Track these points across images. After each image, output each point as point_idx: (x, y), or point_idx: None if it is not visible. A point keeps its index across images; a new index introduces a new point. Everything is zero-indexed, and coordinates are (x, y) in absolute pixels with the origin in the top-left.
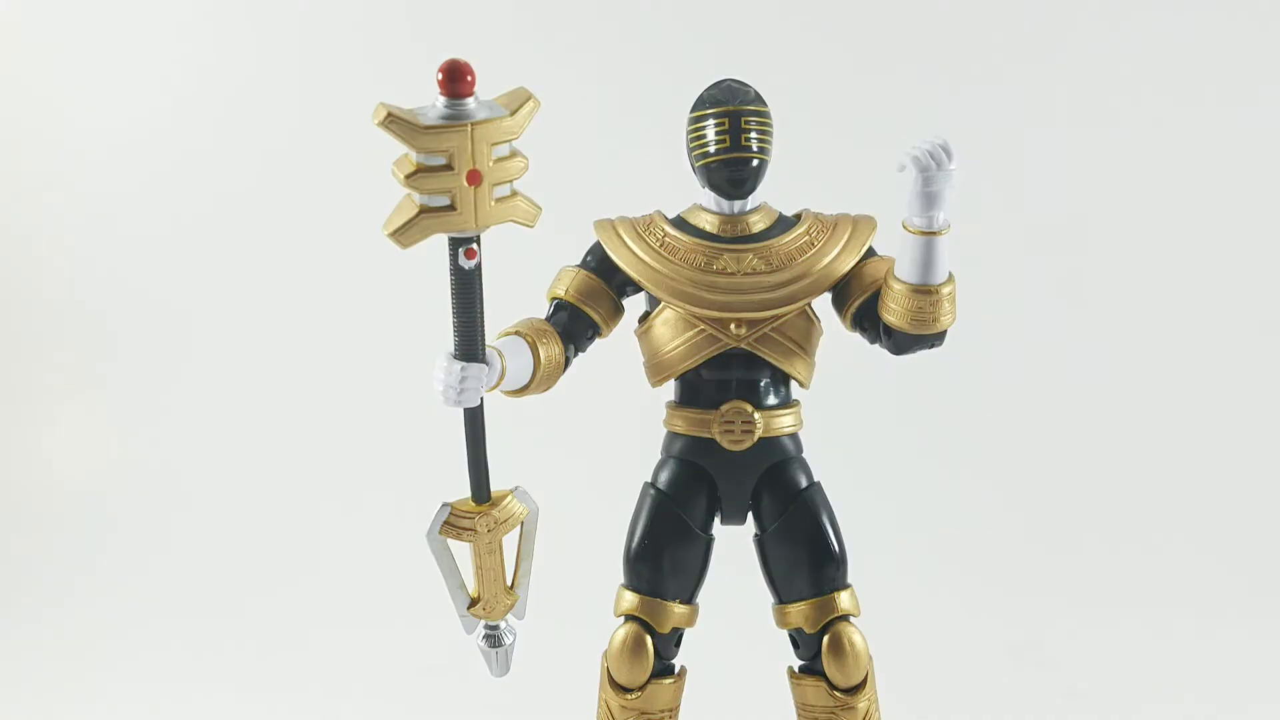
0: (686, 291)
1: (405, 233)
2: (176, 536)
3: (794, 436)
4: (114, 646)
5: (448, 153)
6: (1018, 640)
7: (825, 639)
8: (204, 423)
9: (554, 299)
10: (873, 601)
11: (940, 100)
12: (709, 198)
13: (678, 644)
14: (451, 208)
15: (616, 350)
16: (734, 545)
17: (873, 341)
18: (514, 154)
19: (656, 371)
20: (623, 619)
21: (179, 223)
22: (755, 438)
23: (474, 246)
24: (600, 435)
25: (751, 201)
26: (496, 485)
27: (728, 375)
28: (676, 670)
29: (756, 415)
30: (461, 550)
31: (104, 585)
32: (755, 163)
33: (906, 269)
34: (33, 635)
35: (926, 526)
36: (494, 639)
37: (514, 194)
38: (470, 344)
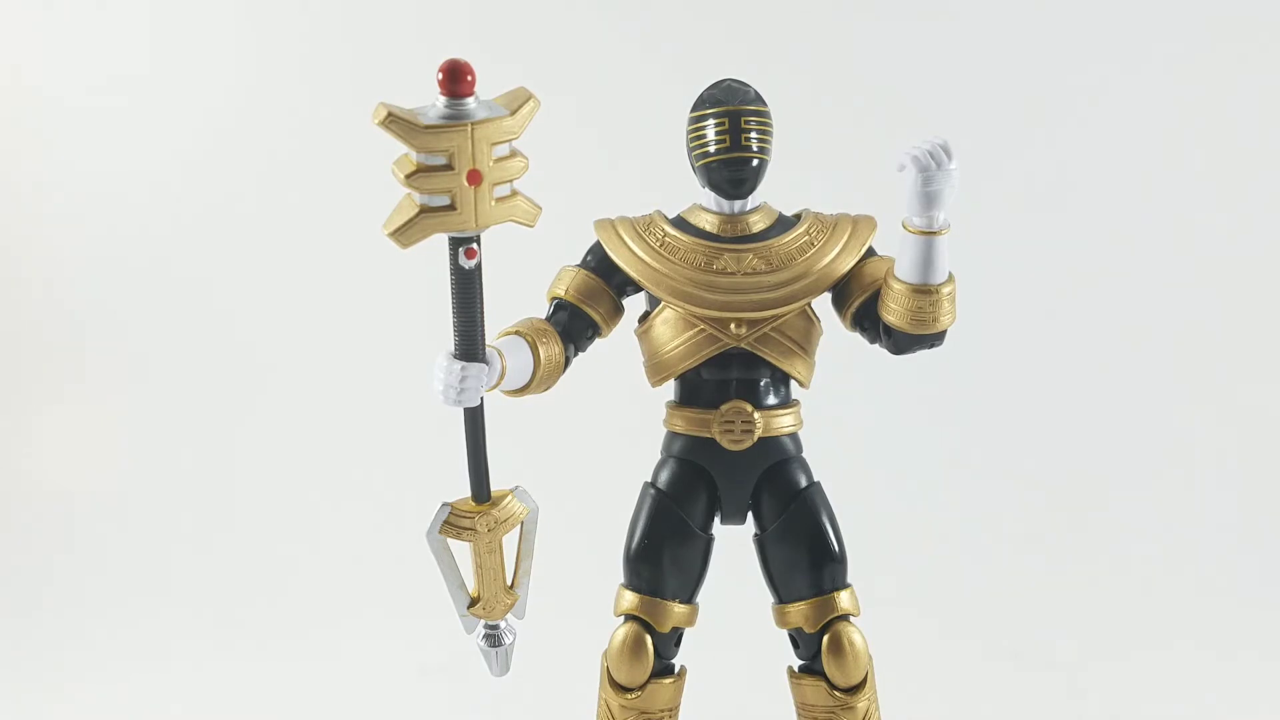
0: (686, 291)
1: (405, 232)
2: (174, 537)
3: (794, 436)
4: (110, 648)
5: (448, 152)
6: (1019, 639)
7: (825, 639)
8: (203, 422)
9: (554, 299)
10: (873, 601)
11: (940, 100)
12: (709, 197)
13: (678, 644)
14: (451, 207)
15: (616, 350)
16: (734, 545)
17: (873, 341)
18: (514, 154)
19: (656, 371)
20: (623, 618)
21: (178, 224)
22: (755, 437)
23: (474, 246)
24: (600, 435)
25: (751, 201)
26: (496, 485)
27: (727, 375)
28: (676, 670)
29: (756, 415)
30: (461, 550)
31: (100, 585)
32: (755, 162)
33: (906, 269)
34: (23, 637)
35: (926, 526)
36: (494, 639)
37: (514, 194)
38: (470, 344)
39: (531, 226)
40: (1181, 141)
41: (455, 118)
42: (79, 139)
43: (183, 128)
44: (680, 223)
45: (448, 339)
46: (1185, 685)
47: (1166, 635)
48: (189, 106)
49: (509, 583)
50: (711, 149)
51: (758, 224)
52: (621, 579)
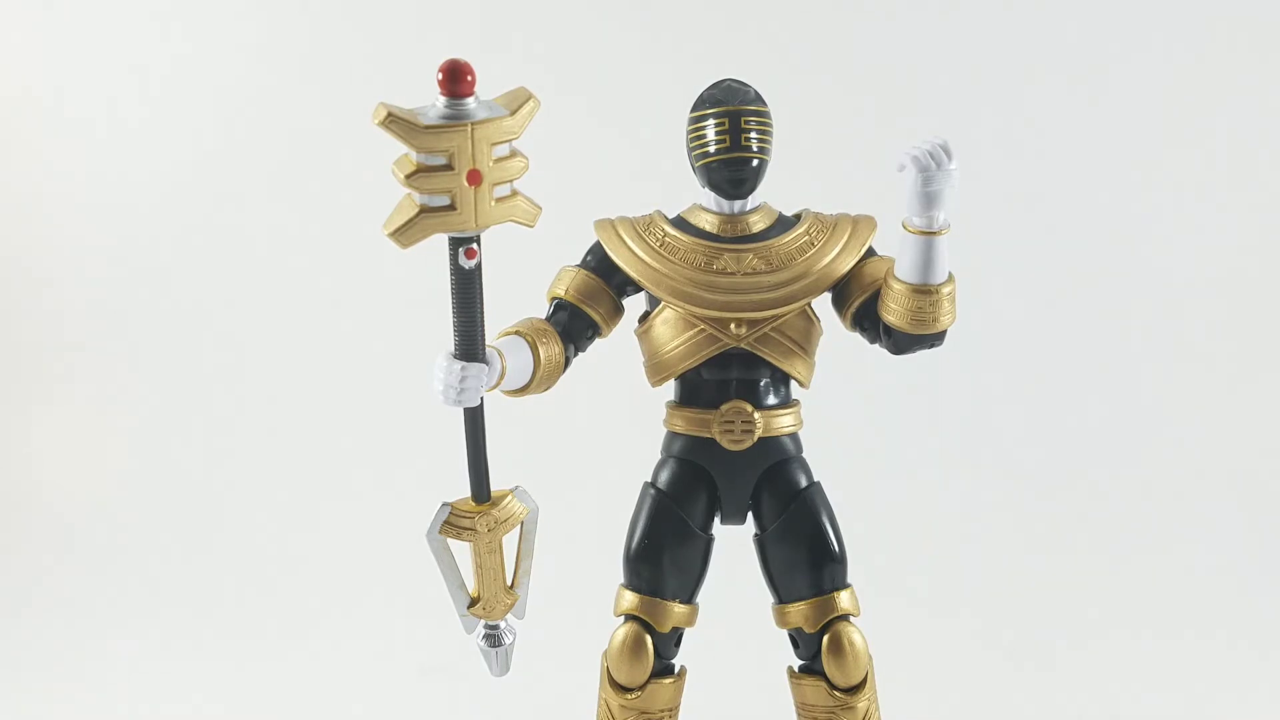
0: (686, 291)
1: (405, 232)
2: (173, 537)
3: (794, 436)
4: (110, 648)
5: (448, 152)
6: (1018, 638)
7: (825, 639)
8: (203, 422)
9: (554, 299)
10: (873, 601)
11: (940, 99)
12: (709, 197)
13: (678, 644)
14: (451, 207)
15: (616, 350)
16: (734, 545)
17: (873, 341)
18: (514, 154)
19: (656, 371)
20: (623, 618)
21: (178, 224)
22: (755, 437)
23: (474, 246)
24: (600, 435)
25: (751, 201)
26: (496, 485)
27: (727, 375)
28: (676, 670)
29: (756, 415)
30: (461, 550)
31: (99, 585)
32: (755, 163)
33: (906, 269)
34: (22, 637)
35: (926, 526)
36: (494, 639)
37: (514, 194)
38: (470, 344)
39: (531, 226)
40: (1182, 141)
41: (455, 118)
42: (80, 141)
43: (183, 128)
44: (680, 223)
45: (448, 339)
46: (1185, 684)
47: (1166, 635)
48: (189, 107)
49: (509, 583)
50: (711, 149)
51: (758, 224)
52: (621, 579)
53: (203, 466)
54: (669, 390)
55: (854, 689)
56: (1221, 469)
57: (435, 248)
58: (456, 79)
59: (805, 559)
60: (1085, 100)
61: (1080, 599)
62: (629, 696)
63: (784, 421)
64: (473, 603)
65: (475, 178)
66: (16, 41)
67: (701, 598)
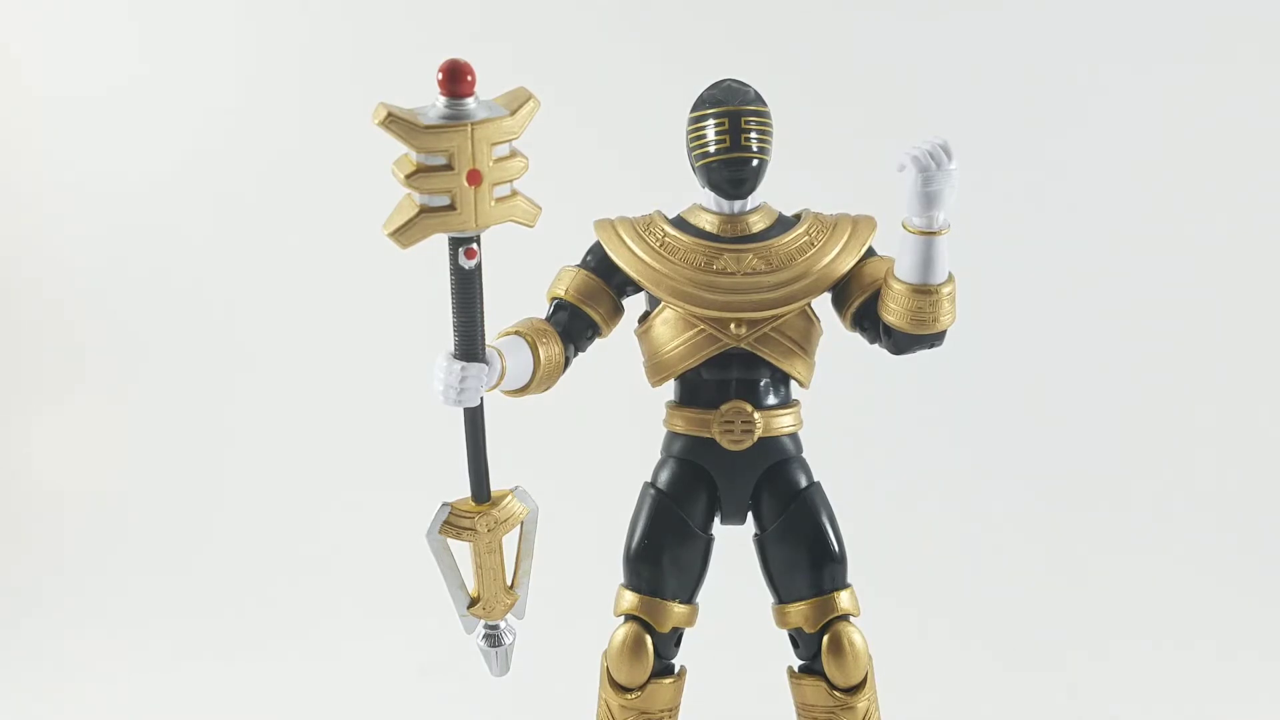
0: (686, 291)
1: (405, 232)
2: (173, 537)
3: (794, 436)
4: (109, 648)
5: (448, 152)
6: (1018, 639)
7: (825, 639)
8: (203, 422)
9: (554, 299)
10: (873, 601)
11: (940, 100)
12: (709, 198)
13: (678, 644)
14: (451, 207)
15: (616, 350)
16: (734, 545)
17: (873, 341)
18: (514, 154)
19: (656, 371)
20: (622, 619)
21: (178, 224)
22: (755, 437)
23: (474, 246)
24: (600, 435)
25: (751, 201)
26: (496, 485)
27: (727, 375)
28: (676, 670)
29: (756, 415)
30: (461, 550)
31: (99, 586)
32: (755, 163)
33: (906, 269)
34: (22, 638)
35: (927, 526)
36: (494, 639)
37: (514, 194)
38: (470, 344)
39: (531, 226)
40: (1182, 141)
41: (455, 118)
42: (79, 139)
43: (183, 128)
44: (680, 223)
45: (448, 339)
46: (1185, 685)
47: (1166, 635)
48: (189, 107)
49: (509, 583)
50: (711, 149)
51: (757, 224)
52: (621, 579)
53: (203, 467)
54: (669, 390)
55: (854, 689)
56: (1222, 469)
57: (435, 248)
58: (456, 79)
59: (805, 559)
60: (1086, 100)
61: (1080, 599)
62: (629, 696)
63: (784, 421)
64: (473, 603)
65: (475, 178)
66: (16, 40)
67: (701, 598)
